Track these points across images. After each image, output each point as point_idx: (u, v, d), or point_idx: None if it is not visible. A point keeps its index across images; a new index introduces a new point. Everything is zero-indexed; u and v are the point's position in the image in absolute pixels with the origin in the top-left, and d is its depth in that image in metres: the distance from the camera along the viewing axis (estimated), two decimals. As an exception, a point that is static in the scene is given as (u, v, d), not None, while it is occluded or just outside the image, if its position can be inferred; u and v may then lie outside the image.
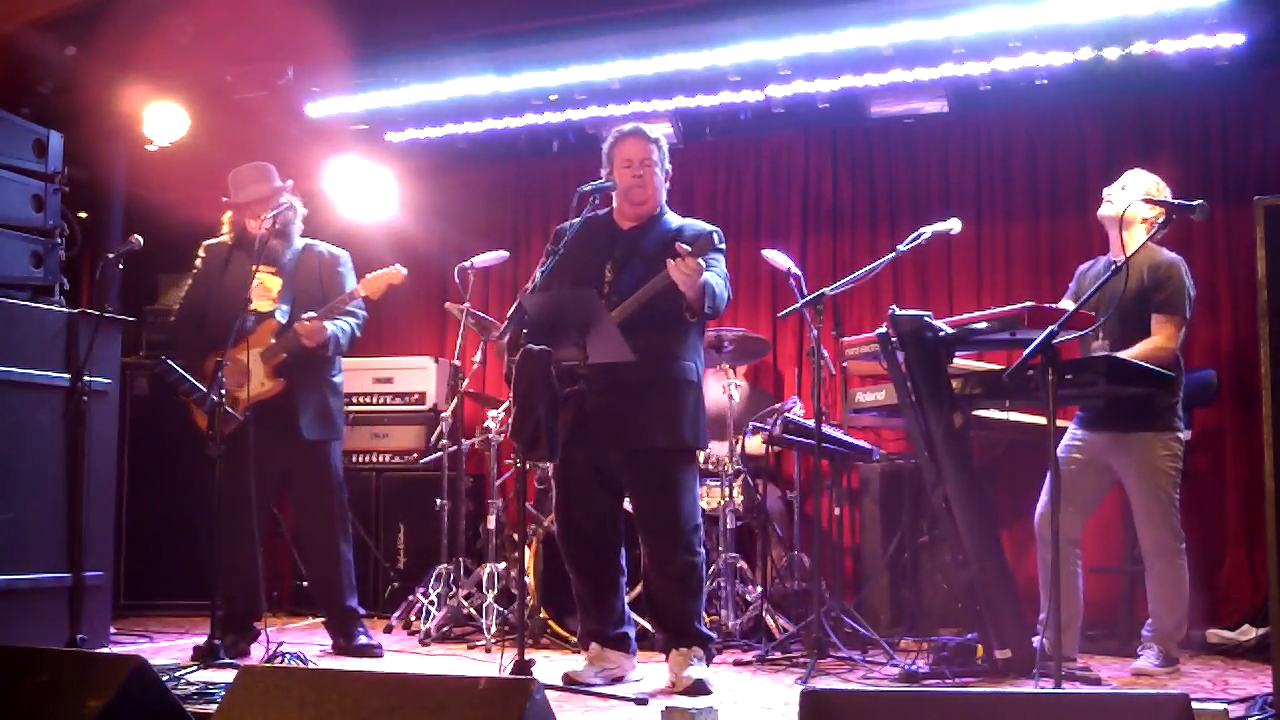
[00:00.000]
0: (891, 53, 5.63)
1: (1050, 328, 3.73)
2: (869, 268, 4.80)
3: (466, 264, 5.73)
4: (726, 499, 5.30)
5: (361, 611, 5.18)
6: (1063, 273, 5.01)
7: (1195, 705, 2.45)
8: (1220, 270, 5.87)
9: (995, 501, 5.53)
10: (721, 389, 5.54)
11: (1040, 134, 6.31)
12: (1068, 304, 4.72)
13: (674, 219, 4.40)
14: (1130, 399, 4.36)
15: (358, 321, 5.13)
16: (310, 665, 4.38)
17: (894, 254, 4.77)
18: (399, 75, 6.17)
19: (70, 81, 5.94)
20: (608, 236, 4.35)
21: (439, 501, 5.85)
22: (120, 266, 4.93)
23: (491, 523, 5.73)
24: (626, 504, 4.43)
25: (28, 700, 2.92)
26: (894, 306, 4.41)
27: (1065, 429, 4.70)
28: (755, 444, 5.73)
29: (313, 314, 4.93)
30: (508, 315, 4.17)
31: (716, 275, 4.14)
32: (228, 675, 3.39)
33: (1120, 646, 5.14)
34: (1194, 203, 3.82)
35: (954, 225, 4.76)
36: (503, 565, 5.57)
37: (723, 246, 4.29)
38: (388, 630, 5.85)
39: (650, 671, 4.40)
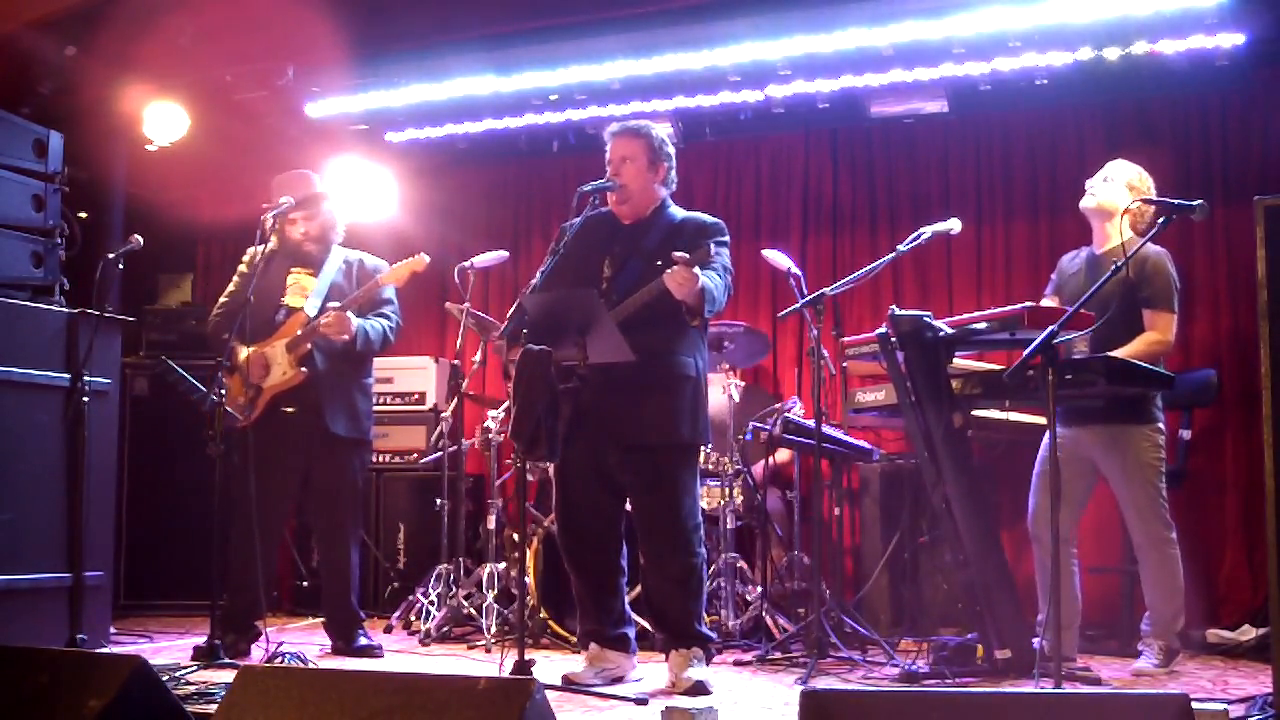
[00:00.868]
0: (891, 53, 5.63)
1: (1050, 328, 3.73)
2: (869, 268, 4.80)
3: (466, 264, 5.73)
4: (726, 499, 5.30)
5: (362, 614, 5.18)
6: (1063, 273, 5.02)
7: (1195, 705, 2.46)
8: (1220, 270, 5.87)
9: (995, 501, 5.53)
10: (721, 389, 5.54)
11: (1040, 134, 6.31)
12: (1051, 299, 4.72)
13: (678, 213, 4.37)
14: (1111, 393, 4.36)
15: (391, 324, 5.14)
16: (310, 665, 4.38)
17: (894, 254, 4.77)
18: (399, 75, 6.17)
19: (70, 81, 5.94)
20: (608, 233, 4.34)
21: (439, 501, 5.85)
22: (120, 266, 4.93)
23: (491, 523, 5.73)
24: (628, 505, 4.42)
25: (28, 700, 2.92)
26: (894, 306, 4.41)
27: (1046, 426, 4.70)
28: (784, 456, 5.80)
29: (336, 305, 4.93)
30: (508, 315, 4.17)
31: (715, 273, 4.11)
32: (228, 675, 3.39)
33: (1120, 646, 5.14)
34: (1194, 203, 3.82)
35: (954, 225, 4.76)
36: (503, 565, 5.57)
37: (725, 239, 4.29)
38: (388, 630, 5.86)
39: (650, 671, 4.40)
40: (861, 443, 5.58)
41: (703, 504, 4.67)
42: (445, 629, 5.47)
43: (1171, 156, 6.02)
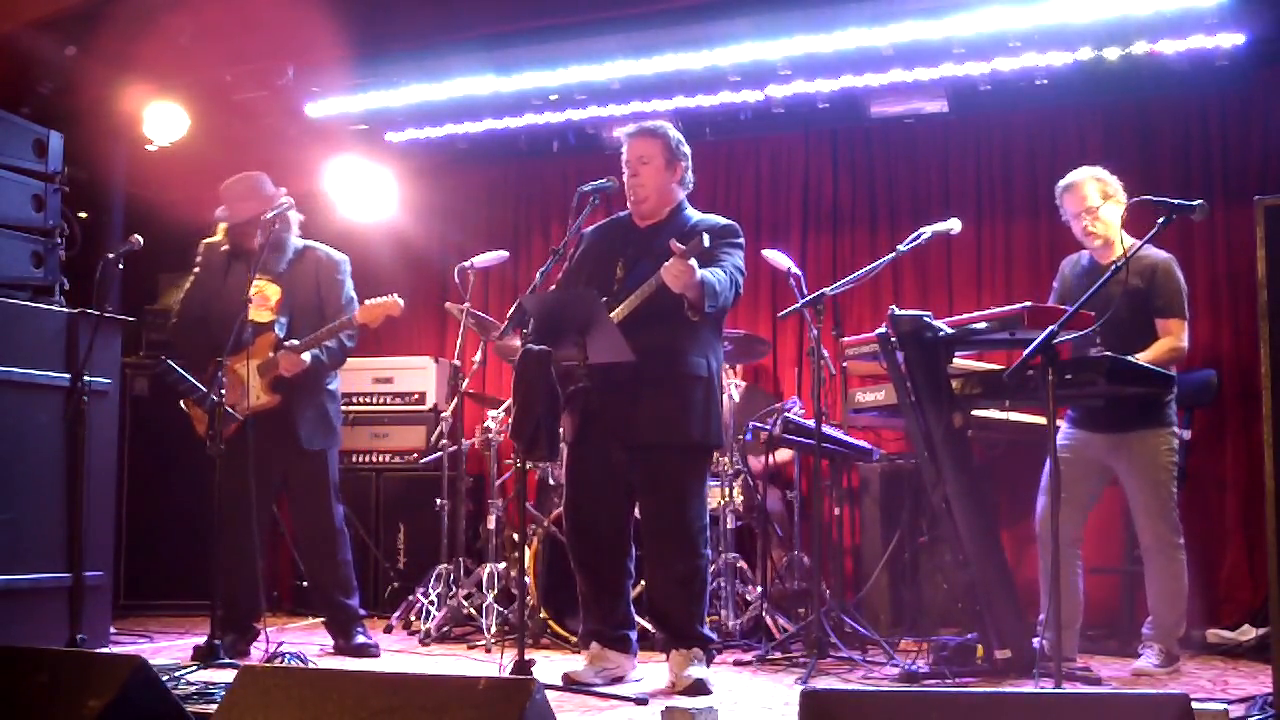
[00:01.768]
0: (891, 53, 5.63)
1: (1050, 328, 3.73)
2: (869, 268, 4.80)
3: (466, 264, 5.74)
4: (726, 499, 5.30)
5: (362, 612, 5.18)
6: (1063, 273, 5.02)
7: (1195, 705, 2.46)
8: (1220, 270, 5.87)
9: (995, 501, 5.53)
10: (721, 388, 5.53)
11: (1040, 134, 6.31)
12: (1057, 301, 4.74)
13: (693, 214, 4.36)
14: (1125, 398, 4.37)
15: (346, 333, 5.05)
16: (310, 665, 4.38)
17: (894, 254, 4.77)
18: (399, 75, 6.17)
19: (70, 81, 5.94)
20: (624, 235, 4.35)
21: (439, 501, 5.85)
22: (120, 266, 4.92)
23: (491, 523, 5.73)
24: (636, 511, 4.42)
25: (28, 700, 2.92)
26: (894, 306, 4.41)
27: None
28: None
29: (294, 343, 4.92)
30: (508, 315, 4.17)
31: (721, 270, 4.09)
32: (228, 675, 3.39)
33: (1120, 646, 5.14)
34: (1194, 203, 3.82)
35: (954, 225, 4.76)
36: (503, 565, 5.57)
37: (738, 240, 4.28)
38: (388, 630, 5.86)
39: (650, 671, 4.40)
40: (861, 443, 5.58)
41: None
42: (445, 629, 5.47)
43: (1171, 156, 6.02)
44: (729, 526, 5.28)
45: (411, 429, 6.90)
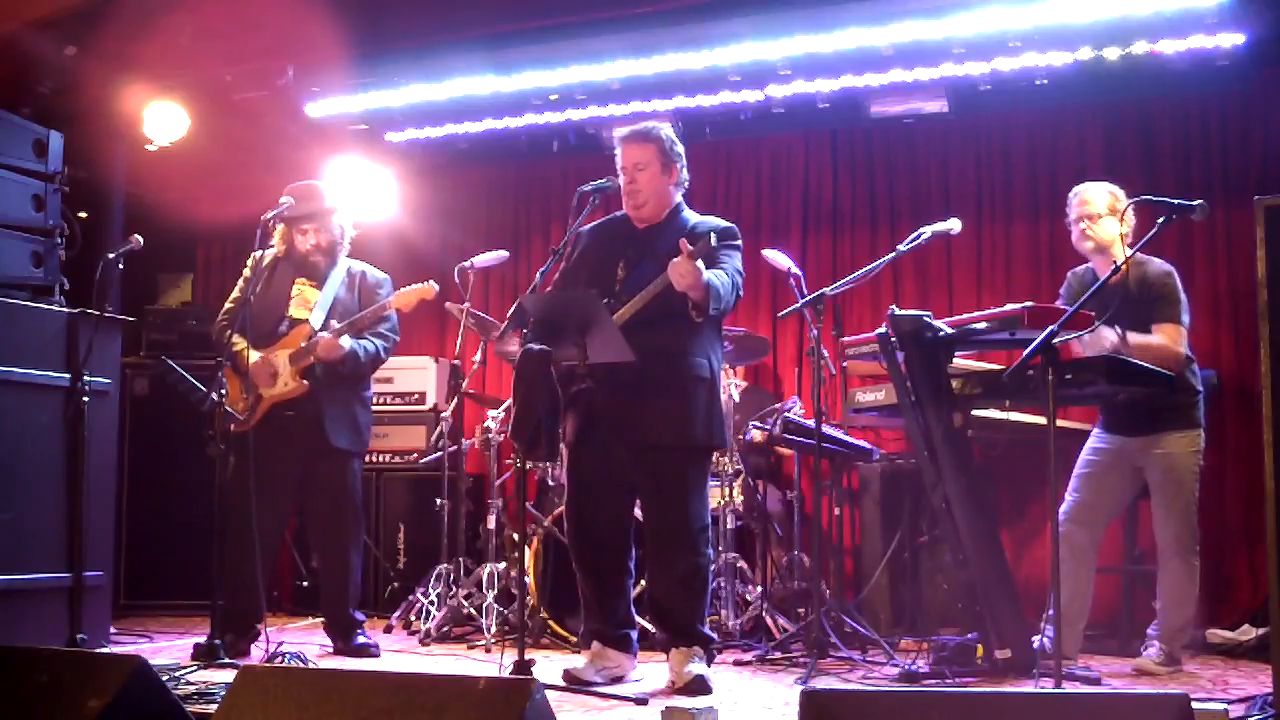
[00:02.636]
0: (891, 53, 5.63)
1: (1050, 328, 3.73)
2: (869, 268, 4.80)
3: (466, 264, 5.73)
4: (726, 499, 5.30)
5: (362, 618, 5.19)
6: (1062, 273, 5.01)
7: (1195, 705, 2.46)
8: (1220, 270, 5.87)
9: (995, 501, 5.53)
10: (721, 389, 5.53)
11: (1040, 134, 6.31)
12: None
13: (691, 216, 4.36)
14: (1152, 400, 4.37)
15: (385, 344, 5.14)
16: (310, 665, 4.38)
17: (894, 254, 4.77)
18: (399, 75, 6.17)
19: (70, 81, 5.94)
20: (623, 236, 4.35)
21: (439, 501, 5.85)
22: (120, 266, 4.93)
23: (491, 523, 5.73)
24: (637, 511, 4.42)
25: (28, 700, 2.92)
26: (894, 306, 4.41)
27: (1067, 429, 4.71)
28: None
29: (336, 325, 4.95)
30: (508, 315, 4.16)
31: (723, 272, 4.10)
32: (228, 675, 3.39)
33: (1120, 646, 5.14)
34: (1194, 203, 3.82)
35: (954, 225, 4.76)
36: (503, 565, 5.56)
37: (737, 242, 4.28)
38: (388, 630, 5.86)
39: (650, 671, 4.40)
40: (861, 443, 5.58)
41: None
42: (445, 629, 5.47)
43: (1171, 156, 6.02)
44: (729, 526, 5.28)
45: (411, 429, 6.90)
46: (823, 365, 4.77)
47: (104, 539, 5.02)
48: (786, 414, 5.34)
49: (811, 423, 4.87)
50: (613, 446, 4.20)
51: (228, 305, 5.17)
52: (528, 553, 5.24)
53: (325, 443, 4.98)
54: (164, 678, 3.32)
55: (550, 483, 5.63)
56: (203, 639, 4.51)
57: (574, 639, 4.91)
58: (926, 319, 4.34)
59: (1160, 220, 3.89)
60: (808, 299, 4.79)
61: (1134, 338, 4.42)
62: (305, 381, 4.95)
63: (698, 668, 4.07)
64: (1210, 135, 5.98)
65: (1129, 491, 4.69)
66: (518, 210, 7.39)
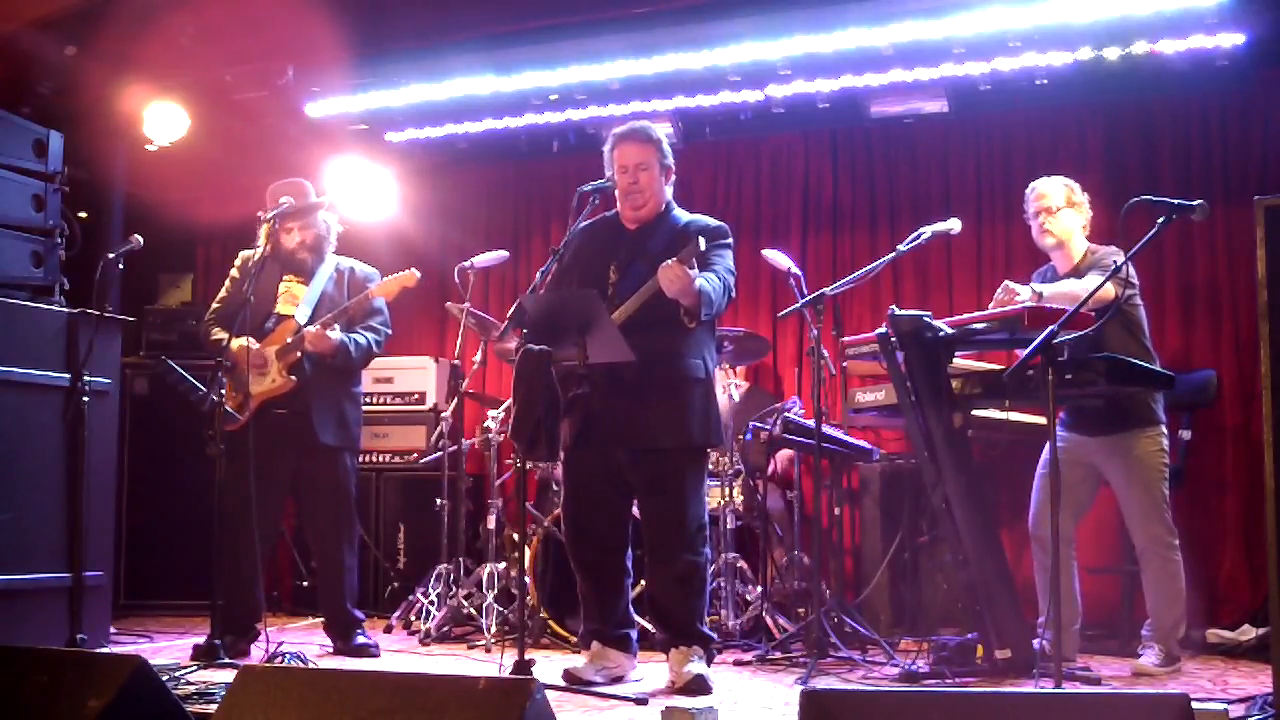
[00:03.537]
0: (891, 53, 5.63)
1: (1050, 328, 3.73)
2: (869, 268, 4.80)
3: (466, 264, 5.73)
4: (726, 499, 5.30)
5: (361, 617, 5.18)
6: (1063, 273, 5.02)
7: (1195, 705, 2.45)
8: (1220, 270, 5.87)
9: (995, 501, 5.53)
10: (721, 389, 5.54)
11: (1040, 134, 6.31)
12: None
13: (682, 215, 4.37)
14: (1109, 399, 4.36)
15: (377, 338, 5.14)
16: (310, 665, 4.38)
17: (894, 254, 4.77)
18: (399, 75, 6.17)
19: (70, 81, 5.94)
20: (613, 238, 4.34)
21: (439, 501, 5.85)
22: (120, 266, 4.93)
23: (491, 523, 5.72)
24: (635, 509, 4.42)
25: (28, 700, 2.92)
26: (894, 306, 4.41)
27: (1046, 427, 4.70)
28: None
29: (329, 314, 4.95)
30: (508, 315, 4.16)
31: (714, 275, 4.11)
32: (228, 675, 3.39)
33: (1120, 646, 5.14)
34: (1194, 203, 3.82)
35: (954, 225, 4.76)
36: (503, 565, 5.56)
37: (727, 241, 4.28)
38: (388, 630, 5.86)
39: (650, 671, 4.40)
40: (861, 443, 5.58)
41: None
42: (445, 629, 5.47)
43: (1171, 157, 6.02)
44: (729, 526, 5.28)
45: (411, 429, 6.90)
46: (823, 365, 4.77)
47: (104, 539, 5.02)
48: (786, 414, 5.34)
49: (811, 423, 4.87)
50: (610, 448, 4.21)
51: (215, 305, 5.18)
52: (528, 553, 5.24)
53: (314, 439, 4.98)
54: (164, 678, 3.32)
55: (555, 486, 5.63)
56: (203, 639, 4.51)
57: (574, 639, 4.91)
58: (926, 319, 4.34)
59: (1160, 220, 3.89)
60: (808, 299, 4.79)
61: (1049, 288, 4.36)
62: (293, 377, 4.95)
63: (697, 668, 4.08)
64: (1210, 135, 5.98)
65: (1091, 489, 4.68)
66: (518, 210, 7.39)
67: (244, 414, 4.89)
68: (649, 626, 4.61)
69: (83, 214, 5.57)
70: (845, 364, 4.92)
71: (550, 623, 5.24)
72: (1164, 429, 4.56)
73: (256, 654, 4.86)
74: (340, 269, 5.21)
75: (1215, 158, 5.96)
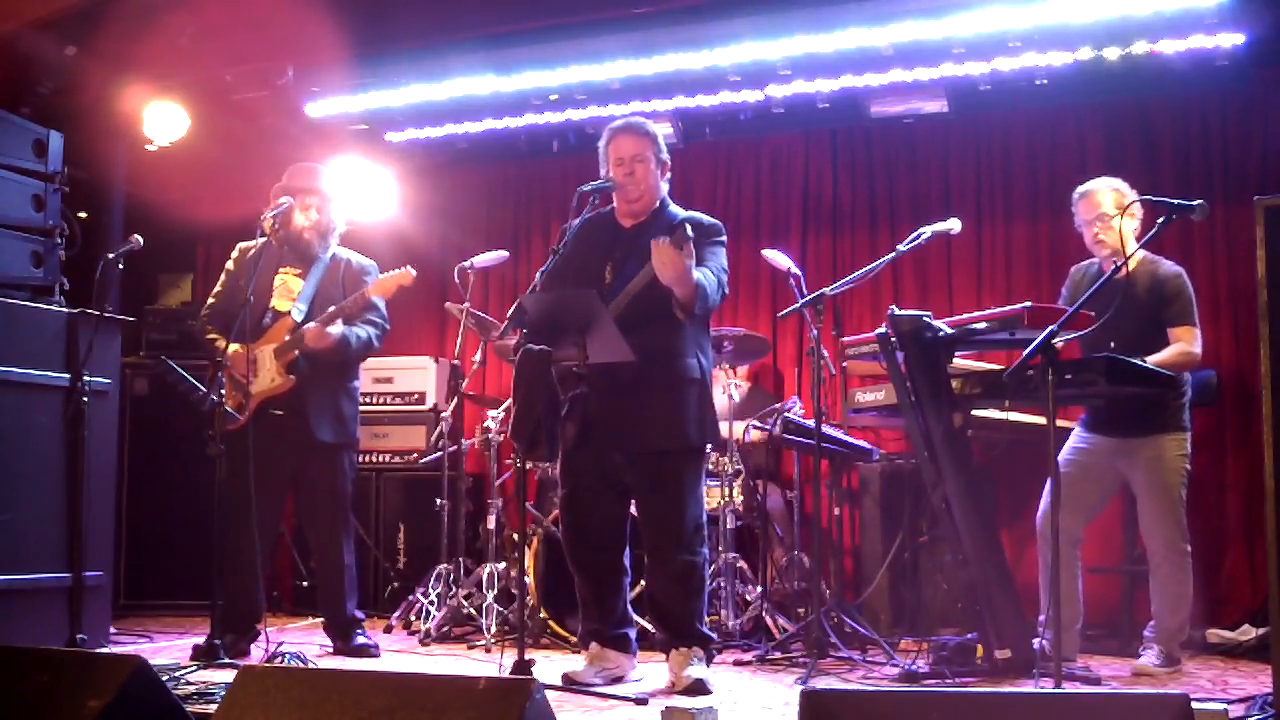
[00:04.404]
0: (891, 53, 5.63)
1: (1050, 328, 3.73)
2: (869, 268, 4.80)
3: (466, 264, 5.74)
4: (726, 499, 5.30)
5: (361, 616, 5.18)
6: (1062, 273, 5.01)
7: (1195, 705, 2.45)
8: (1220, 270, 5.87)
9: (995, 501, 5.53)
10: (721, 389, 5.54)
11: (1040, 134, 6.31)
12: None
13: (678, 212, 4.36)
14: (1138, 401, 4.36)
15: (377, 332, 5.13)
16: (310, 665, 4.38)
17: (894, 254, 4.77)
18: (399, 75, 6.17)
19: (70, 81, 5.95)
20: (609, 236, 4.33)
21: (439, 501, 5.85)
22: (120, 266, 4.93)
23: (491, 523, 5.73)
24: (632, 508, 4.42)
25: (28, 700, 2.92)
26: (894, 306, 4.41)
27: (1067, 430, 4.70)
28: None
29: (331, 308, 4.94)
30: (508, 315, 4.16)
31: (709, 271, 4.10)
32: (228, 675, 3.38)
33: (1120, 646, 5.14)
34: (1194, 203, 3.82)
35: (954, 225, 4.76)
36: (503, 565, 5.56)
37: (721, 239, 4.28)
38: (388, 630, 5.86)
39: (650, 671, 4.40)
40: (861, 443, 5.58)
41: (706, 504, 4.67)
42: (445, 629, 5.47)
43: (1171, 156, 6.02)
44: (729, 526, 5.28)
45: (411, 429, 6.90)
46: (823, 365, 4.77)
47: (104, 539, 5.01)
48: (786, 414, 5.34)
49: (811, 423, 4.87)
50: (607, 448, 4.20)
51: (210, 300, 5.17)
52: (528, 553, 5.25)
53: (311, 437, 4.97)
54: (164, 678, 3.32)
55: (552, 485, 5.63)
56: (203, 639, 4.51)
57: (574, 639, 4.91)
58: (926, 319, 4.34)
59: (1160, 220, 3.89)
60: (808, 299, 4.79)
61: (1152, 360, 4.38)
62: (291, 376, 4.94)
63: (697, 670, 4.07)
64: (1210, 135, 5.98)
65: (1107, 492, 4.69)
66: (518, 210, 7.39)
67: (244, 414, 4.89)
68: (649, 626, 4.61)
69: (83, 214, 5.57)
70: (845, 364, 4.92)
71: (550, 623, 5.25)
72: (1188, 434, 4.56)
73: (256, 654, 4.86)
74: (338, 259, 5.19)
75: (1215, 157, 5.96)
